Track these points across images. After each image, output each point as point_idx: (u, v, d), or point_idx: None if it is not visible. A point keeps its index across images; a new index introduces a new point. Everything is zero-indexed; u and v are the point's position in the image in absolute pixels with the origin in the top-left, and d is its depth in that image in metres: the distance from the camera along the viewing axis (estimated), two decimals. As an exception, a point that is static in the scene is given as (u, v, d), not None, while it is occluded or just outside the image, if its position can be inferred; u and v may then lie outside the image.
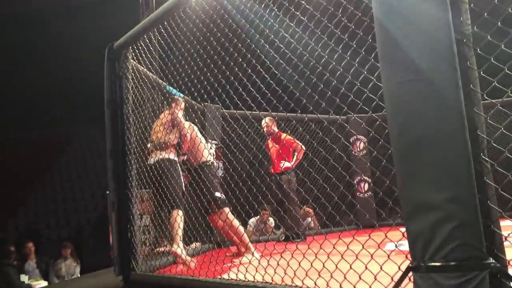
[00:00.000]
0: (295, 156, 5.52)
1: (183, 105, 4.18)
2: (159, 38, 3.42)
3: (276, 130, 5.62)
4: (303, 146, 5.54)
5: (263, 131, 5.54)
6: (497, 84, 1.46)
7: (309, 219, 6.68)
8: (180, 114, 4.03)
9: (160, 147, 3.89)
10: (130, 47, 3.62)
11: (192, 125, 4.12)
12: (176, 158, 3.96)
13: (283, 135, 5.60)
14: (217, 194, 3.91)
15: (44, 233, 12.17)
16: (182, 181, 3.90)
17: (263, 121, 5.50)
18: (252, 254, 3.76)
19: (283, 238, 5.41)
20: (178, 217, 3.68)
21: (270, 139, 5.66)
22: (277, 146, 5.47)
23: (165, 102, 4.16)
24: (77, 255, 8.17)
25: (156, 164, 3.83)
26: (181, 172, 3.94)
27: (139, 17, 7.47)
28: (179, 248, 3.57)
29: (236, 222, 3.90)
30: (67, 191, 14.10)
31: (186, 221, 3.94)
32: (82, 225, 12.53)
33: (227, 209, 3.91)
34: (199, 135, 4.10)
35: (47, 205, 13.50)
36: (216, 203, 3.87)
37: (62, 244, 8.06)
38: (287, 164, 5.37)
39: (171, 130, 3.99)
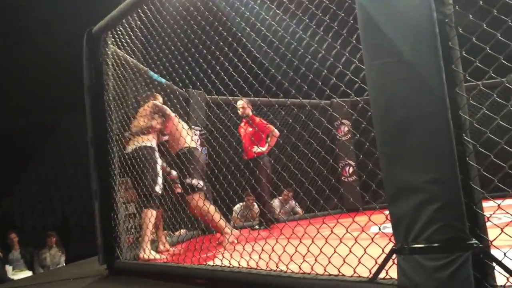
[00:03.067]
0: (268, 142, 5.44)
1: (160, 99, 4.17)
2: (139, 22, 3.35)
3: (251, 113, 5.50)
4: (276, 131, 5.42)
5: (240, 112, 5.42)
6: (479, 65, 1.44)
7: (293, 202, 6.70)
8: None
9: (141, 133, 3.82)
10: (109, 32, 3.54)
11: (173, 114, 4.08)
12: (154, 145, 3.87)
13: (257, 119, 5.49)
14: (188, 180, 3.83)
15: (28, 223, 12.05)
16: (159, 169, 3.79)
17: (238, 102, 5.36)
18: (227, 240, 3.73)
19: (258, 224, 5.36)
20: (147, 218, 3.60)
21: (243, 122, 5.56)
22: (251, 129, 5.36)
23: (143, 95, 4.10)
24: (63, 245, 8.11)
25: (134, 153, 3.74)
26: (159, 160, 3.85)
27: (119, 0, 7.33)
28: (145, 254, 3.49)
29: (209, 209, 3.79)
30: (52, 179, 13.93)
31: (170, 208, 3.91)
32: (67, 214, 12.42)
33: (197, 195, 3.82)
34: (181, 122, 4.07)
35: (32, 195, 13.33)
36: (188, 189, 3.81)
37: (47, 234, 8.00)
38: (260, 149, 5.24)
39: (153, 117, 3.93)
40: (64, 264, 7.63)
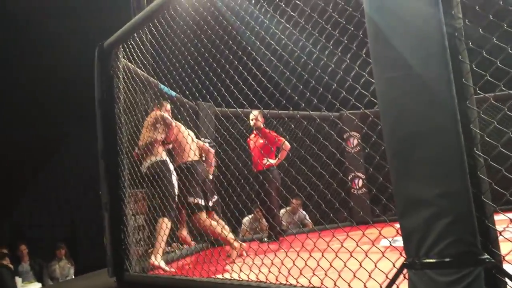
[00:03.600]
0: (278, 154, 5.41)
1: (168, 107, 4.12)
2: (150, 36, 3.39)
3: (261, 126, 5.44)
4: (286, 144, 5.36)
5: (252, 124, 5.38)
6: (489, 78, 1.44)
7: (302, 212, 6.65)
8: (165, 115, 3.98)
9: (149, 151, 3.81)
10: (120, 46, 3.58)
11: (179, 124, 4.06)
12: (165, 157, 3.88)
13: (267, 131, 5.43)
14: (191, 199, 3.77)
15: (38, 234, 12.09)
16: (175, 181, 3.83)
17: (251, 114, 5.31)
18: (235, 252, 3.71)
19: (267, 237, 5.32)
20: (164, 225, 3.61)
21: (253, 134, 5.56)
22: (261, 141, 5.31)
23: (151, 104, 4.10)
24: (72, 256, 8.12)
25: (150, 169, 3.76)
26: (174, 172, 3.88)
27: (131, 16, 7.43)
28: (156, 260, 3.48)
29: (214, 225, 3.78)
30: (62, 191, 13.99)
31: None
32: (76, 225, 12.45)
33: (203, 215, 3.81)
34: (185, 134, 3.99)
35: (42, 206, 13.39)
36: (191, 208, 3.76)
37: (56, 245, 8.02)
38: (269, 161, 5.22)
39: (156, 128, 3.91)
40: (73, 276, 7.63)
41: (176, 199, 3.73)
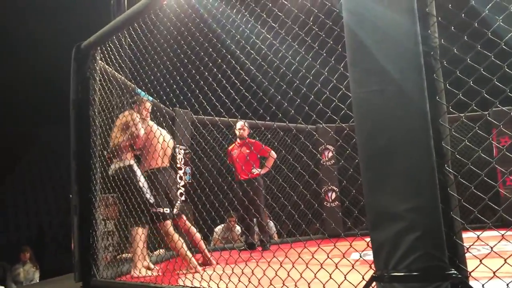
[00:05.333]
0: (264, 163, 5.47)
1: (148, 105, 3.95)
2: (129, 40, 3.37)
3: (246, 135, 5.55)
4: (273, 153, 5.47)
5: (239, 133, 5.42)
6: (462, 97, 1.48)
7: (271, 222, 6.64)
8: (137, 116, 3.76)
9: (116, 154, 3.70)
10: (98, 48, 3.54)
11: (155, 127, 3.89)
12: (132, 163, 3.73)
13: (253, 141, 5.55)
14: (153, 209, 3.63)
15: (2, 237, 11.76)
16: (143, 186, 3.67)
17: (238, 124, 5.37)
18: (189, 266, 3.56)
19: (247, 246, 5.33)
20: (138, 236, 3.52)
21: (237, 144, 5.58)
22: (248, 151, 5.36)
23: (126, 102, 3.93)
24: (37, 260, 7.93)
25: (115, 175, 3.65)
26: (142, 178, 3.72)
27: (111, 18, 7.36)
28: (140, 273, 3.42)
29: (175, 238, 3.63)
30: (31, 192, 13.68)
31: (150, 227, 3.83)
32: (44, 228, 12.17)
33: (168, 223, 3.68)
34: (159, 137, 3.76)
35: (8, 207, 13.06)
36: (157, 217, 3.63)
37: (21, 248, 7.81)
38: (257, 171, 5.25)
39: (125, 133, 3.73)
40: (38, 280, 7.44)
41: (149, 205, 3.63)
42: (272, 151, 5.48)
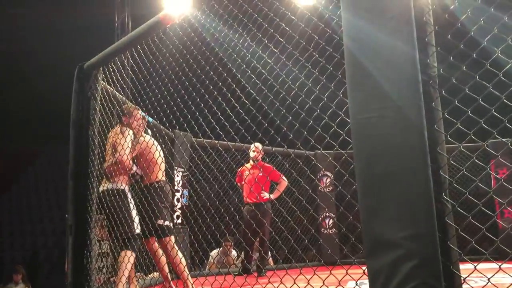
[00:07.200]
0: (276, 187, 5.40)
1: (139, 115, 3.76)
2: (132, 61, 3.40)
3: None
4: (284, 178, 5.36)
5: (253, 155, 5.35)
6: (460, 127, 1.49)
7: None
8: (128, 132, 3.65)
9: (106, 174, 3.61)
10: (100, 68, 3.57)
11: (152, 140, 3.79)
12: (124, 187, 3.63)
13: (267, 165, 5.46)
14: (160, 221, 3.59)
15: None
16: (132, 210, 3.58)
17: (252, 146, 5.28)
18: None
19: (242, 270, 5.25)
20: (126, 258, 3.45)
21: (249, 166, 5.52)
22: (260, 174, 5.25)
23: (117, 114, 3.77)
24: (30, 280, 7.82)
25: (105, 195, 3.58)
26: (132, 201, 3.64)
27: (114, 40, 7.46)
28: None
29: (179, 254, 3.59)
30: (26, 211, 13.57)
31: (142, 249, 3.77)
32: (38, 248, 12.03)
33: (173, 238, 3.64)
34: (157, 153, 3.70)
35: (3, 226, 12.93)
36: (163, 231, 3.58)
37: (14, 269, 7.71)
38: (269, 196, 5.19)
39: (116, 151, 3.59)
40: (29, 301, 7.32)
41: (138, 230, 3.56)
42: (283, 177, 5.43)
